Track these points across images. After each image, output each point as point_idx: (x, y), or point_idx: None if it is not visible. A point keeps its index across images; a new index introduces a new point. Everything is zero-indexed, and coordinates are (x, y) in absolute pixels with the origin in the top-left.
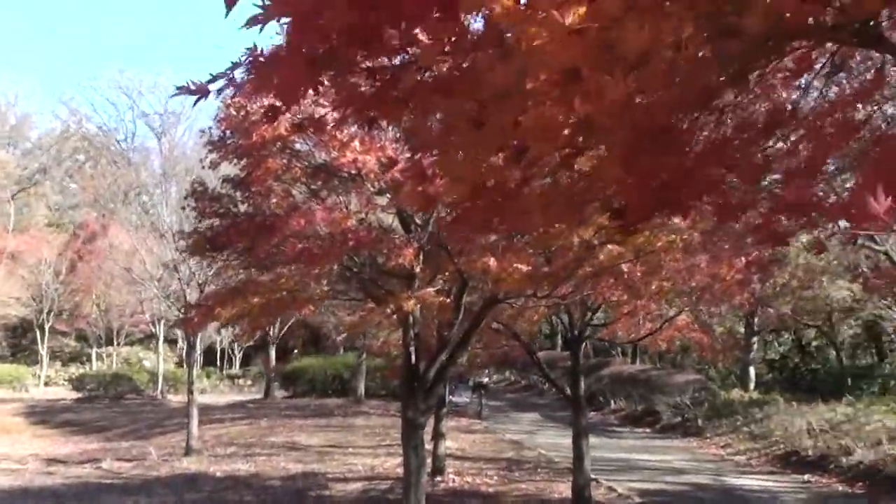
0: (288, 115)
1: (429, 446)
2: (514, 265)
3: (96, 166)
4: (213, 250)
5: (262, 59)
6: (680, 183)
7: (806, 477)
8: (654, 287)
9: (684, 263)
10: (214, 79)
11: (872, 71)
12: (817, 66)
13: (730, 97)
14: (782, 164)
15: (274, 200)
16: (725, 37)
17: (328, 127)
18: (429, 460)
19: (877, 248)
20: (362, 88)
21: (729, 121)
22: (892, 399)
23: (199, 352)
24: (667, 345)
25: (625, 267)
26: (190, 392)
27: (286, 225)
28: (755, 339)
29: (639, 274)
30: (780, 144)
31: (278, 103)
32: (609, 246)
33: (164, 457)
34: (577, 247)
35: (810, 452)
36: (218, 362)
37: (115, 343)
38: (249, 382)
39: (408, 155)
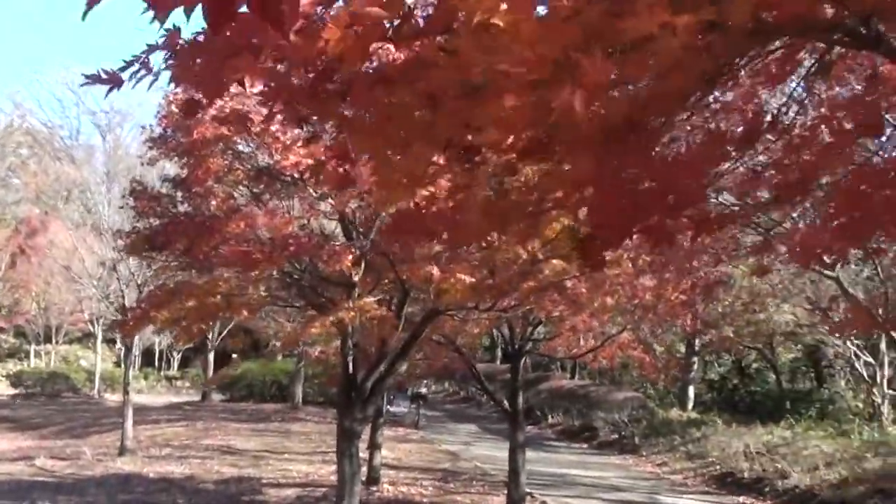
0: (214, 111)
1: (364, 455)
2: (458, 276)
3: (40, 162)
4: (151, 250)
5: (181, 43)
6: (655, 196)
7: (741, 499)
8: (597, 304)
9: (629, 281)
10: (127, 66)
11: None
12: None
13: (708, 99)
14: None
15: (214, 202)
16: (709, 30)
17: (273, 128)
18: (364, 469)
19: (828, 274)
20: (293, 80)
21: (710, 126)
22: (830, 424)
23: (137, 353)
24: (609, 362)
25: (569, 282)
26: (125, 392)
27: (226, 227)
28: (695, 358)
29: (583, 290)
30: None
31: (198, 96)
32: (554, 261)
33: (99, 456)
34: (522, 260)
35: (746, 474)
36: (156, 363)
37: (54, 341)
38: (187, 384)
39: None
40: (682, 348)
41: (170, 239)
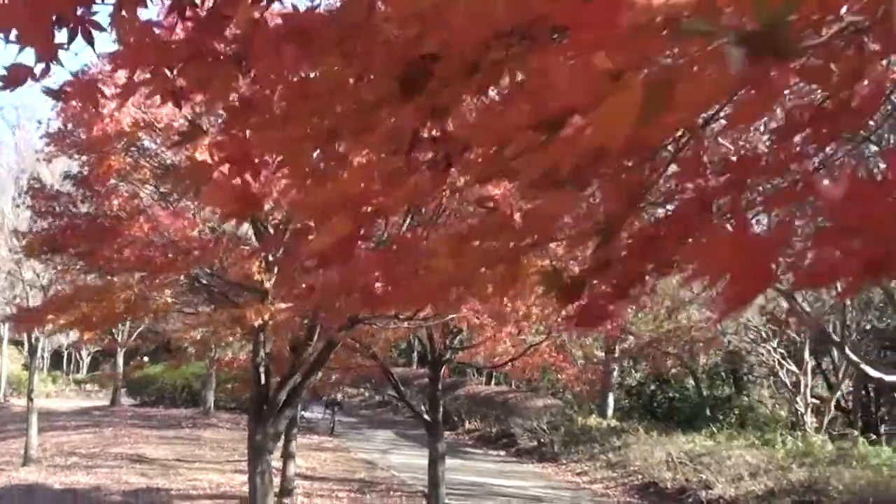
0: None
1: (277, 463)
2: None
3: None
4: (49, 252)
5: None
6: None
7: None
8: (521, 312)
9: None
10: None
11: None
12: None
13: None
14: None
15: (117, 202)
16: None
17: (174, 124)
18: (277, 480)
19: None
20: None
21: None
22: (753, 433)
23: (44, 355)
24: (530, 371)
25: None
26: (30, 399)
27: (128, 230)
28: (614, 365)
29: (506, 300)
30: None
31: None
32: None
33: (1, 465)
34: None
35: (669, 485)
36: (65, 366)
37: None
38: (97, 388)
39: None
40: (600, 353)
41: (68, 241)
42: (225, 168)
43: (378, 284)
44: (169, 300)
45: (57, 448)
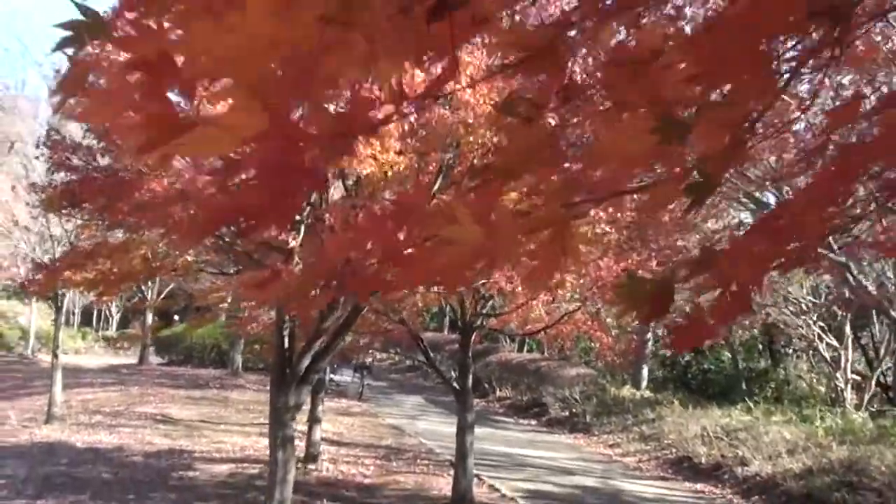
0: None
1: (303, 427)
2: None
3: None
4: (68, 207)
5: None
6: None
7: (699, 486)
8: (555, 280)
9: (592, 261)
10: None
11: None
12: None
13: None
14: None
15: None
16: None
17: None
18: (302, 444)
19: (837, 259)
20: None
21: None
22: (790, 408)
23: (75, 311)
24: (564, 339)
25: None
26: (55, 355)
27: (147, 185)
28: (650, 335)
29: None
30: None
31: None
32: None
33: (25, 422)
34: None
35: (704, 460)
36: (94, 322)
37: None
38: (126, 345)
39: None
40: (635, 323)
41: (86, 195)
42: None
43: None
44: (190, 258)
45: (82, 405)
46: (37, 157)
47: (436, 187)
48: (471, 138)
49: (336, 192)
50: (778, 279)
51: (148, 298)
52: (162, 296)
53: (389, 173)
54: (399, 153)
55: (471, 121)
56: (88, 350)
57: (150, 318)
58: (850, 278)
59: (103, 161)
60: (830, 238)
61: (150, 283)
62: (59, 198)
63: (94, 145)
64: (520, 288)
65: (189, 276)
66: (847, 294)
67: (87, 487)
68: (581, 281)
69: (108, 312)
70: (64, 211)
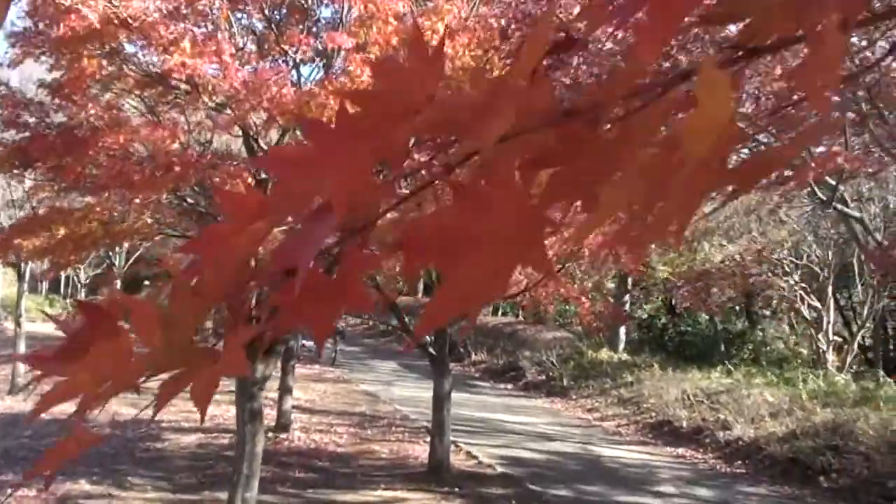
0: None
1: (274, 395)
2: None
3: None
4: (21, 167)
5: None
6: None
7: (680, 451)
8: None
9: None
10: None
11: None
12: None
13: None
14: None
15: (93, 111)
16: None
17: (147, 20)
18: (273, 413)
19: (852, 213)
20: None
21: None
22: (771, 370)
23: (43, 279)
24: (545, 303)
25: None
26: (17, 324)
27: (101, 141)
28: (627, 297)
29: None
30: None
31: None
32: None
33: None
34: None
35: (684, 424)
36: (62, 289)
37: None
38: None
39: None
40: (610, 284)
41: (37, 153)
42: None
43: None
44: (150, 221)
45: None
46: None
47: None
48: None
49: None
50: (760, 238)
51: (115, 265)
52: (130, 262)
53: None
54: None
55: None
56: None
57: (118, 285)
58: (861, 235)
59: (57, 118)
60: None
61: (117, 250)
62: (8, 157)
63: (46, 101)
64: None
65: (149, 240)
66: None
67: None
68: (563, 246)
69: (76, 279)
70: (15, 171)
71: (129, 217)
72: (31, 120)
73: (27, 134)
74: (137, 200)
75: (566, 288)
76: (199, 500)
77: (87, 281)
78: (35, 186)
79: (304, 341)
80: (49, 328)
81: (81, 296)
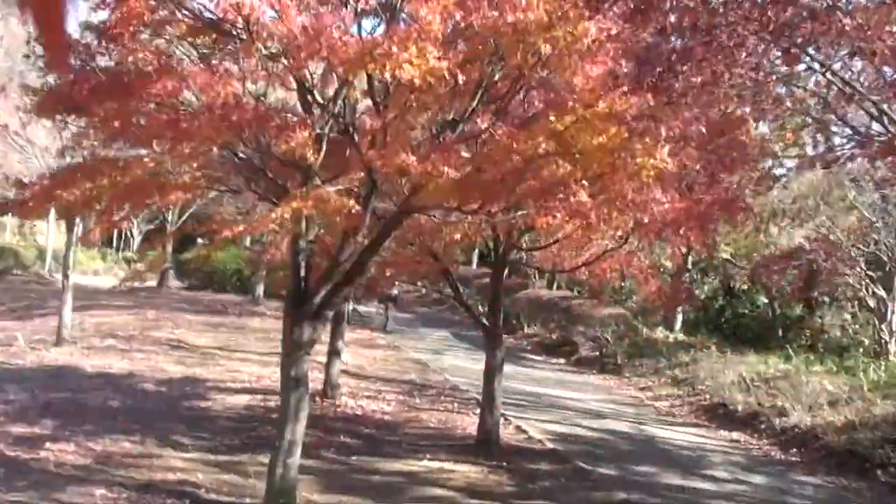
0: None
1: (323, 358)
2: (440, 169)
3: None
4: (65, 112)
5: None
6: None
7: (735, 435)
8: (613, 217)
9: (641, 196)
10: None
11: None
12: None
13: None
14: None
15: (141, 55)
16: None
17: None
18: (321, 375)
19: None
20: None
21: None
22: (831, 358)
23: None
24: (608, 279)
25: (585, 197)
26: (65, 276)
27: (149, 87)
28: (686, 276)
29: (585, 198)
30: None
31: None
32: (560, 162)
33: (34, 344)
34: (519, 157)
35: (740, 408)
36: (114, 243)
37: (10, 213)
38: (140, 268)
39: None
40: (668, 263)
41: (83, 99)
42: None
43: None
44: (198, 175)
45: (95, 328)
46: (28, 56)
47: (474, 103)
48: (520, 46)
49: (361, 104)
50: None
51: (168, 221)
52: (183, 219)
53: (429, 81)
54: (439, 59)
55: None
56: (108, 271)
57: (170, 240)
58: None
59: (102, 62)
60: None
61: (170, 207)
62: (53, 102)
63: (93, 44)
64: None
65: (198, 195)
66: None
67: (90, 414)
68: (627, 217)
69: (129, 233)
70: (59, 117)
71: (176, 169)
72: (76, 63)
73: (71, 77)
74: (187, 151)
75: (631, 264)
76: (240, 462)
77: (141, 236)
78: (79, 134)
79: (355, 306)
80: (98, 280)
81: (134, 251)
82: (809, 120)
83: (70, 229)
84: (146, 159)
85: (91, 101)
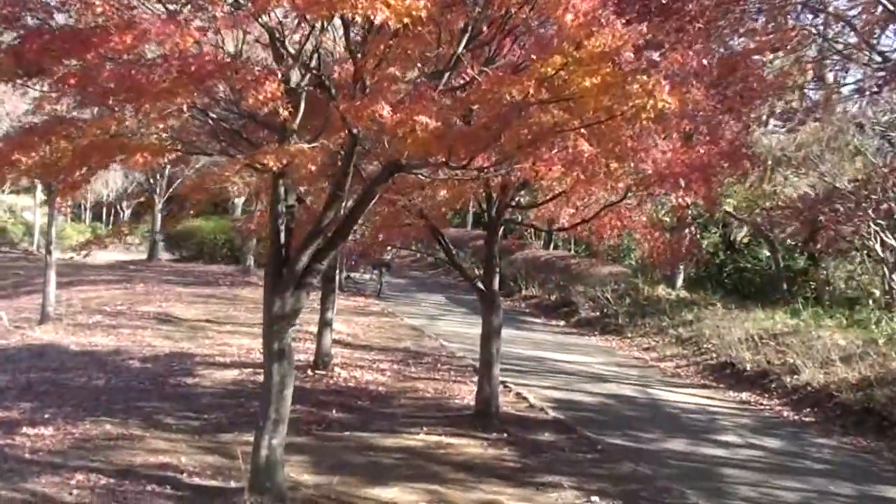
0: None
1: (314, 328)
2: (417, 119)
3: None
4: (24, 76)
5: None
6: None
7: (744, 396)
8: (613, 168)
9: (641, 144)
10: None
11: None
12: None
13: None
14: None
15: (100, 8)
16: None
17: None
18: (313, 346)
19: None
20: None
21: None
22: (839, 311)
23: (85, 206)
24: (609, 237)
25: (585, 145)
26: (48, 251)
27: (106, 42)
28: (686, 231)
29: (585, 146)
30: None
31: None
32: (553, 111)
33: (18, 322)
34: (507, 101)
35: (748, 367)
36: (104, 217)
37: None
38: (137, 241)
39: None
40: (666, 217)
41: (33, 56)
42: None
43: None
44: (164, 135)
45: (83, 304)
46: None
47: (460, 48)
48: None
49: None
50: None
51: (157, 193)
52: (171, 190)
53: (406, 24)
54: None
55: None
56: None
57: (159, 211)
58: None
59: (61, 20)
60: None
61: (158, 178)
62: (10, 63)
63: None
64: (560, 174)
65: (171, 157)
66: None
67: (71, 395)
68: (627, 168)
69: (118, 207)
70: (19, 81)
71: (141, 131)
72: (33, 21)
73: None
74: (147, 109)
75: (632, 219)
76: (225, 441)
77: (130, 209)
78: (41, 98)
79: (349, 273)
80: (89, 257)
81: (125, 223)
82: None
83: (50, 204)
84: (106, 117)
85: (43, 59)
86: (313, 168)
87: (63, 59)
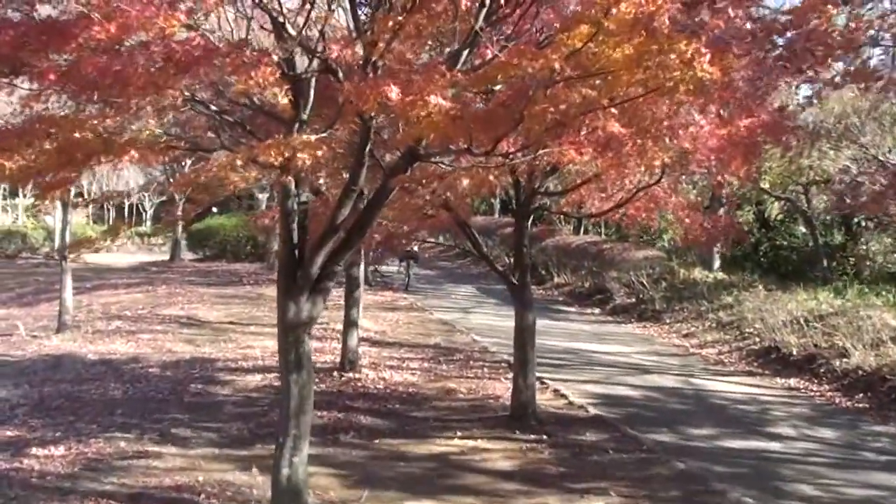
0: None
1: (340, 326)
2: (427, 99)
3: None
4: (10, 74)
5: None
6: None
7: (792, 382)
8: (648, 147)
9: (677, 120)
10: None
11: None
12: None
13: None
14: None
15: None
16: None
17: None
18: (338, 346)
19: None
20: None
21: None
22: (886, 289)
23: (107, 207)
24: (646, 220)
25: (617, 126)
26: (63, 257)
27: (86, 32)
28: (722, 210)
29: (617, 128)
30: None
31: None
32: (581, 88)
33: (36, 331)
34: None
35: (795, 351)
36: (126, 218)
37: (22, 194)
38: (160, 241)
39: None
40: (696, 197)
41: (8, 50)
42: None
43: None
44: (157, 131)
45: (103, 310)
46: None
47: (478, 23)
48: None
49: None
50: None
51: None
52: (192, 189)
53: None
54: None
55: None
56: (121, 247)
57: (181, 209)
58: None
59: (45, 11)
60: None
61: (177, 175)
62: None
63: None
64: (590, 158)
65: (156, 154)
66: None
67: (85, 410)
68: (662, 146)
69: (140, 207)
70: (4, 80)
71: (129, 125)
72: (15, 15)
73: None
74: (137, 102)
75: (668, 201)
76: (246, 456)
77: (153, 209)
78: (28, 97)
79: (375, 266)
80: (111, 258)
81: (147, 224)
82: None
83: (65, 205)
84: (82, 114)
85: (20, 53)
86: (321, 159)
87: (42, 53)
